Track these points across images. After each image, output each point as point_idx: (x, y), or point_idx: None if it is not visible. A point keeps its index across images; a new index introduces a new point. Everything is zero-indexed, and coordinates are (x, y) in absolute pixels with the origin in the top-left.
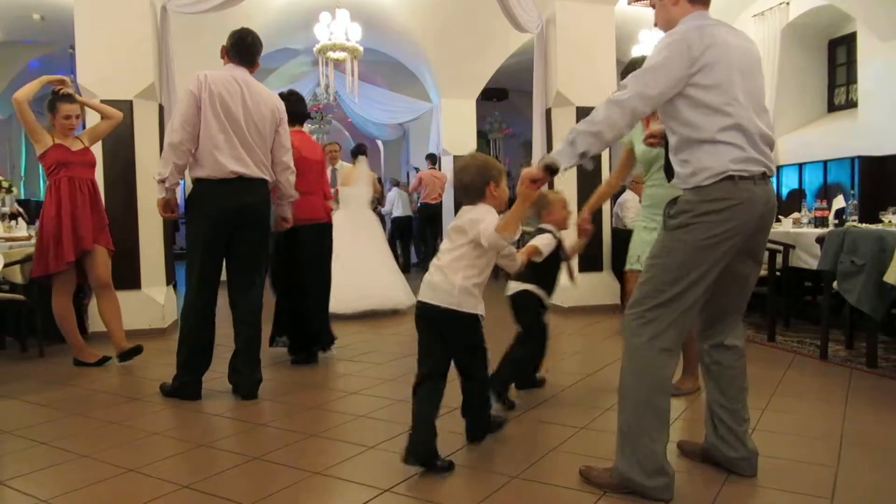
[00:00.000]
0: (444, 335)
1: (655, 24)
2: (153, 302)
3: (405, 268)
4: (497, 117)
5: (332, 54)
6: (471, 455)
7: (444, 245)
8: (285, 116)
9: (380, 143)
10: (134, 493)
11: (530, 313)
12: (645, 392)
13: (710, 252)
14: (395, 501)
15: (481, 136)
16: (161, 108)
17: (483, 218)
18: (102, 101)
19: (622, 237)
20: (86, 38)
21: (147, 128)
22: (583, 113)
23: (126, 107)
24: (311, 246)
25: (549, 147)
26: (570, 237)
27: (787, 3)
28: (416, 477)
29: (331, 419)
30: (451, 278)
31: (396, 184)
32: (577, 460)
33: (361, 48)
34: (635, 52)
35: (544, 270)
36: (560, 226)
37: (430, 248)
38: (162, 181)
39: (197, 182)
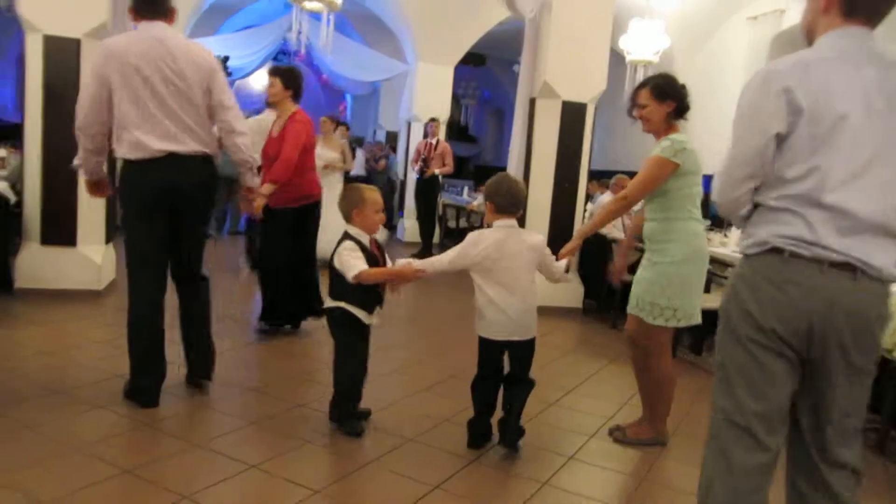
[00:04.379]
0: None
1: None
2: (89, 261)
3: None
4: (471, 84)
5: (307, 3)
6: (400, 463)
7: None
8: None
9: (348, 96)
10: None
11: (347, 332)
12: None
13: (738, 340)
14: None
15: (454, 99)
16: None
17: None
18: (46, 37)
19: (593, 241)
20: None
21: None
22: (569, 107)
23: (73, 46)
24: (316, 220)
25: (530, 137)
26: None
27: (783, 12)
28: (346, 478)
29: (274, 405)
30: None
31: (359, 143)
32: None
33: (339, 1)
34: (623, 42)
35: (361, 285)
36: (368, 229)
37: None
38: (78, 165)
39: (124, 162)
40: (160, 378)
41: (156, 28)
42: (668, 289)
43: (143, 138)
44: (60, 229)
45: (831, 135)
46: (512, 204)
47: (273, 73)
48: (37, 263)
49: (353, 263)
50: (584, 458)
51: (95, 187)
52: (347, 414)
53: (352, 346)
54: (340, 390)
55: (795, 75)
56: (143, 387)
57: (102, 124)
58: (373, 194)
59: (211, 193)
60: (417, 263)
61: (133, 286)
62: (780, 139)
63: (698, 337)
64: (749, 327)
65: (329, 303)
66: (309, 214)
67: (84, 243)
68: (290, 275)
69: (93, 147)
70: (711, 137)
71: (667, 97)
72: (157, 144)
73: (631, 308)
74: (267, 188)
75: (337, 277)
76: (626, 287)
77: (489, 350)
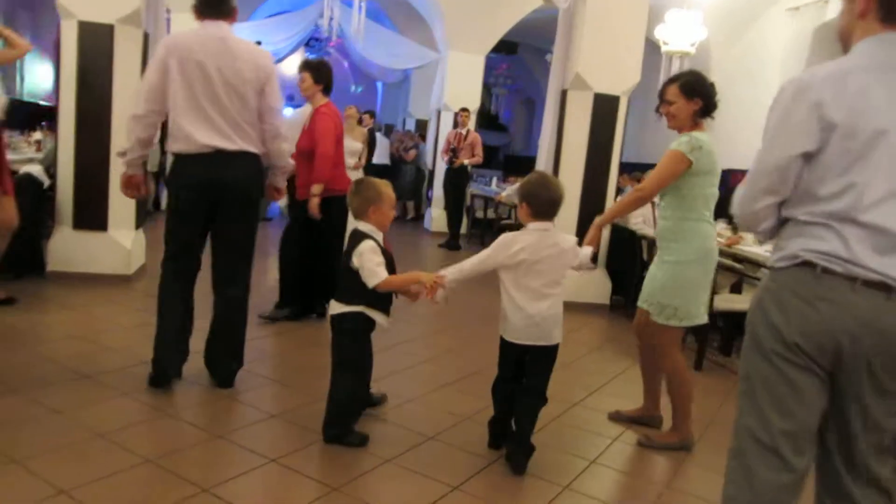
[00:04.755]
0: None
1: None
2: (119, 246)
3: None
4: (502, 73)
5: None
6: (419, 462)
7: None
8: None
9: (378, 84)
10: None
11: (357, 339)
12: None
13: (764, 354)
14: (340, 500)
15: (484, 87)
16: (146, 36)
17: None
18: (80, 23)
19: (622, 236)
20: None
21: (128, 58)
22: (601, 100)
23: (106, 31)
24: (343, 214)
25: (560, 129)
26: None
27: (826, 2)
28: (365, 476)
29: (296, 398)
30: None
31: (379, 129)
32: None
33: None
34: (658, 32)
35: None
36: (383, 227)
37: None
38: (122, 154)
39: (174, 156)
40: (178, 357)
41: (217, 27)
42: (673, 288)
43: (192, 131)
44: (92, 214)
45: (867, 150)
46: (550, 207)
47: (303, 67)
48: (68, 247)
49: (376, 271)
50: (607, 462)
51: (131, 184)
52: (345, 430)
53: (360, 359)
54: (338, 410)
55: (829, 88)
56: (161, 363)
57: (159, 113)
58: (389, 190)
59: (255, 192)
60: (443, 271)
61: (165, 263)
62: (810, 156)
63: (727, 338)
64: (774, 341)
65: (340, 307)
66: (334, 208)
67: (115, 228)
68: (305, 267)
69: (146, 136)
70: (749, 131)
71: (695, 94)
72: (204, 139)
73: (641, 301)
74: (316, 188)
75: (353, 279)
76: None
77: (510, 353)
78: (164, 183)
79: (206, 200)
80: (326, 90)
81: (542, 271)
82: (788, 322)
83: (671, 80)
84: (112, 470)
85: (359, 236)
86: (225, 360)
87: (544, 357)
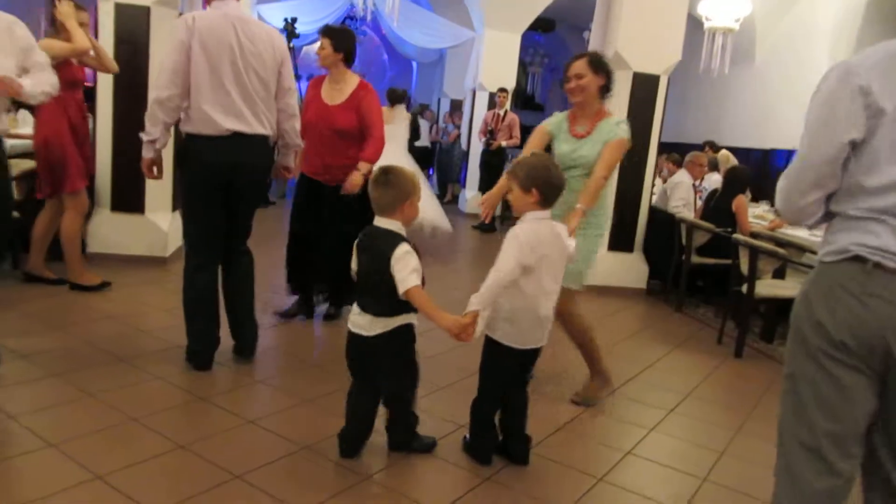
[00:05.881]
0: None
1: None
2: (156, 228)
3: None
4: (539, 51)
5: None
6: (451, 452)
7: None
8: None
9: (413, 63)
10: None
11: (408, 345)
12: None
13: (809, 353)
14: (372, 489)
15: (521, 66)
16: None
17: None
18: (117, 5)
19: (660, 219)
20: None
21: (165, 40)
22: (640, 79)
23: (143, 13)
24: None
25: None
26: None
27: None
28: (396, 465)
29: (331, 384)
30: None
31: (420, 112)
32: None
33: None
34: (701, 8)
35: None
36: (409, 223)
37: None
38: (151, 142)
39: (187, 137)
40: (210, 343)
41: (230, 7)
42: (592, 255)
43: (213, 114)
44: (129, 196)
45: None
46: (557, 196)
47: (324, 33)
48: (107, 229)
49: (409, 278)
50: (643, 453)
51: (153, 166)
52: (413, 434)
53: (415, 358)
54: (412, 409)
55: (878, 72)
56: (197, 352)
57: (182, 97)
58: (419, 181)
59: (267, 174)
60: (473, 301)
61: (188, 250)
62: (857, 144)
63: (769, 324)
64: (821, 339)
65: (380, 325)
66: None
67: (152, 211)
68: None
69: (171, 121)
70: (795, 111)
71: (601, 70)
72: (226, 123)
73: (568, 283)
74: (365, 167)
75: (392, 289)
76: (694, 268)
77: (512, 362)
78: (178, 165)
79: (221, 182)
80: (347, 59)
81: (553, 265)
82: (836, 319)
83: (577, 57)
84: (146, 455)
85: (391, 238)
86: (245, 326)
87: (535, 358)
